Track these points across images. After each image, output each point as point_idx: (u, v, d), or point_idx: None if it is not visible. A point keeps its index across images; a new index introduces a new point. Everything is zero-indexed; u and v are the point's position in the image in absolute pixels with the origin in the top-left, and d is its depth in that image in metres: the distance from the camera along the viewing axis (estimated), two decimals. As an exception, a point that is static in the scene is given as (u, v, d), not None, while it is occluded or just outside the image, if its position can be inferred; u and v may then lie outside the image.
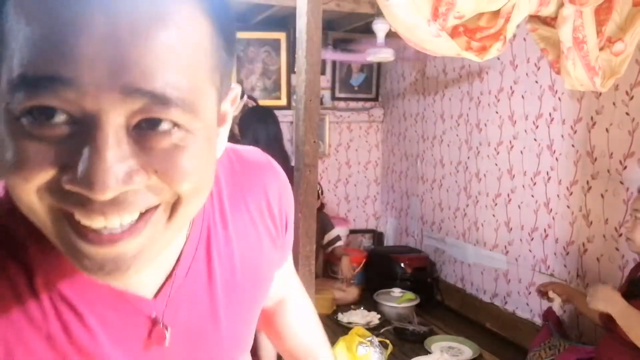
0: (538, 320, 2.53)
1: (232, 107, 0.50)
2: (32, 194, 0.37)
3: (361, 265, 3.38)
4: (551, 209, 2.50)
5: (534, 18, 1.43)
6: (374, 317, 2.89)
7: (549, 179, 2.51)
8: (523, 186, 2.67)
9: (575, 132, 2.35)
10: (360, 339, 2.20)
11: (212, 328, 0.56)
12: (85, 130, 0.36)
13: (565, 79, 1.41)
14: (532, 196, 2.61)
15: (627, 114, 2.09)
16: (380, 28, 3.01)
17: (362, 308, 2.99)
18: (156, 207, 0.41)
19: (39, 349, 0.45)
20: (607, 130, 2.18)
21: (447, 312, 3.12)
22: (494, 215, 2.89)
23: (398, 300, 3.00)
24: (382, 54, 3.07)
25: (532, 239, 2.63)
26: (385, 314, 2.92)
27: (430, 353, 2.44)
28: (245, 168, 0.60)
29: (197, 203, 0.44)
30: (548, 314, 2.43)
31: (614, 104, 2.14)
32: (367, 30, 3.12)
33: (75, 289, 0.46)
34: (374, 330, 2.59)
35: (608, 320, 1.73)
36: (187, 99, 0.38)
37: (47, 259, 0.45)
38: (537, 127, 2.57)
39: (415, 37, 1.28)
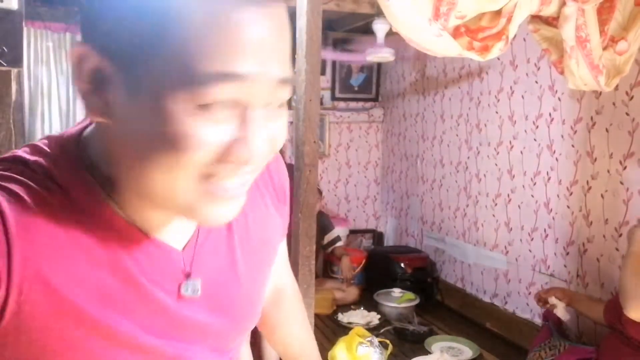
0: (538, 320, 2.53)
1: None
2: (192, 169, 0.46)
3: (361, 265, 3.37)
4: (551, 209, 2.50)
5: (536, 18, 1.42)
6: (374, 317, 2.89)
7: (549, 179, 2.51)
8: (523, 186, 2.67)
9: (575, 132, 2.35)
10: (360, 339, 2.20)
11: (232, 282, 0.63)
12: (241, 113, 0.46)
13: (569, 79, 1.40)
14: (532, 196, 2.61)
15: (627, 114, 2.09)
16: (380, 28, 3.01)
17: (362, 308, 2.99)
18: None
19: (100, 275, 0.51)
20: (607, 130, 2.18)
21: (447, 312, 3.12)
22: (494, 215, 2.89)
23: (398, 300, 3.00)
24: (382, 54, 3.07)
25: (532, 239, 2.63)
26: (385, 314, 2.92)
27: (430, 353, 2.44)
28: None
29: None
30: (548, 314, 2.43)
31: (613, 104, 2.14)
32: (367, 30, 3.12)
33: (115, 235, 0.52)
34: (374, 330, 2.59)
35: (613, 320, 1.72)
36: (291, 80, 0.50)
37: (98, 214, 0.52)
38: (537, 127, 2.57)
39: (417, 37, 1.27)
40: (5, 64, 1.42)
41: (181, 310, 0.57)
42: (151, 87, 0.44)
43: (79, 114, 3.33)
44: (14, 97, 1.58)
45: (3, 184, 0.48)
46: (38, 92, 3.24)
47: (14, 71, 1.48)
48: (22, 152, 0.52)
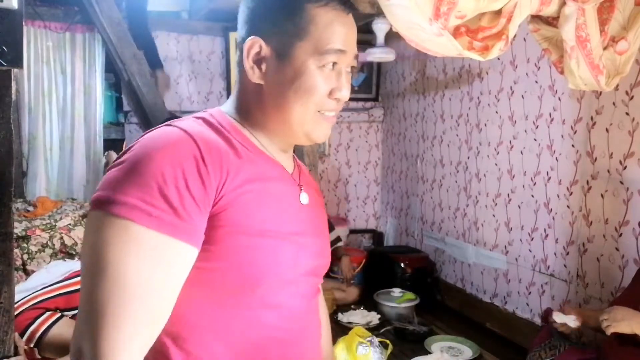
0: (538, 320, 2.53)
1: None
2: (315, 103, 0.78)
3: (361, 265, 3.37)
4: (551, 209, 2.50)
5: (536, 18, 1.42)
6: (374, 317, 2.89)
7: (549, 179, 2.51)
8: (523, 186, 2.67)
9: (575, 132, 2.35)
10: (360, 339, 2.20)
11: (318, 212, 0.89)
12: (340, 71, 0.80)
13: (569, 79, 1.40)
14: (532, 196, 2.61)
15: (627, 114, 2.09)
16: (380, 28, 3.01)
17: (362, 308, 2.99)
18: None
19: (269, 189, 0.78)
20: (607, 130, 2.18)
21: (447, 312, 3.12)
22: (494, 215, 2.89)
23: (398, 300, 3.00)
24: (382, 54, 3.07)
25: (532, 239, 2.63)
26: (385, 314, 2.92)
27: (430, 353, 2.44)
28: None
29: None
30: (547, 314, 2.43)
31: (613, 104, 2.14)
32: (367, 30, 3.11)
33: (261, 160, 0.80)
34: (374, 330, 2.59)
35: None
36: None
37: (247, 146, 0.79)
38: (537, 127, 2.57)
39: (417, 36, 1.27)
40: (5, 64, 1.42)
41: (304, 212, 0.83)
42: (295, 57, 0.77)
43: (78, 113, 3.33)
44: (13, 96, 1.58)
45: (192, 124, 0.75)
46: (39, 91, 3.24)
47: (14, 71, 1.48)
48: (193, 115, 0.81)
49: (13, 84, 1.50)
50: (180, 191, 0.66)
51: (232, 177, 0.71)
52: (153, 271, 0.65)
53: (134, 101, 3.32)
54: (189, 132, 0.71)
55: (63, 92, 3.31)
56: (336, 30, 0.78)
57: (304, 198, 0.84)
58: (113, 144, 3.42)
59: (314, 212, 0.86)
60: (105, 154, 3.33)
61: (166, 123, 0.77)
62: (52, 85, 3.27)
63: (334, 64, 0.78)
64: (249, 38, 0.79)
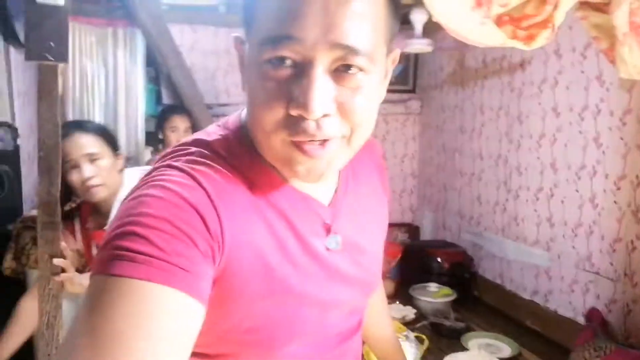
0: (581, 320, 2.44)
1: (392, 66, 0.67)
2: (272, 125, 0.56)
3: (397, 259, 3.35)
4: (597, 205, 2.41)
5: (584, 5, 1.36)
6: (409, 312, 2.86)
7: (595, 173, 2.41)
8: (567, 180, 2.57)
9: (624, 124, 2.25)
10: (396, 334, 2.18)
11: (363, 242, 0.73)
12: (303, 71, 0.54)
13: (621, 68, 1.33)
14: (577, 191, 2.51)
15: (683, 105, 1.98)
16: (418, 19, 2.96)
17: (397, 302, 2.97)
18: (337, 137, 0.58)
19: (264, 232, 0.62)
20: (659, 122, 2.07)
21: (485, 308, 3.06)
22: (535, 210, 2.80)
23: (434, 295, 2.96)
24: (419, 45, 3.01)
25: (575, 236, 2.53)
26: (421, 309, 2.88)
27: (467, 350, 2.40)
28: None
29: (363, 136, 0.61)
30: (592, 314, 2.35)
31: (667, 94, 2.03)
32: (405, 21, 3.06)
33: (279, 195, 0.64)
34: (409, 324, 2.56)
35: None
36: (369, 51, 0.55)
37: (262, 179, 0.63)
38: (582, 119, 2.47)
39: (458, 26, 1.24)
40: (52, 59, 1.47)
41: (330, 259, 0.67)
42: (247, 58, 0.59)
43: (121, 107, 3.42)
44: (60, 90, 1.63)
45: (196, 167, 0.59)
46: (83, 86, 3.35)
47: (60, 66, 1.53)
48: (203, 135, 0.66)
49: (60, 78, 1.55)
50: None
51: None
52: None
53: (173, 94, 3.39)
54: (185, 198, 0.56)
55: (105, 86, 3.40)
56: (279, 6, 0.53)
57: (333, 240, 0.67)
58: (153, 136, 3.49)
59: (348, 254, 0.69)
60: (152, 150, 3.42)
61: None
62: (94, 80, 3.37)
63: (287, 59, 0.53)
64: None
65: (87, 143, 1.74)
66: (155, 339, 0.46)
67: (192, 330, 0.50)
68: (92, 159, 1.75)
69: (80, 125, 1.88)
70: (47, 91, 1.48)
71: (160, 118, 3.22)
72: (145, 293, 0.47)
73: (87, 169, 1.78)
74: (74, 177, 1.77)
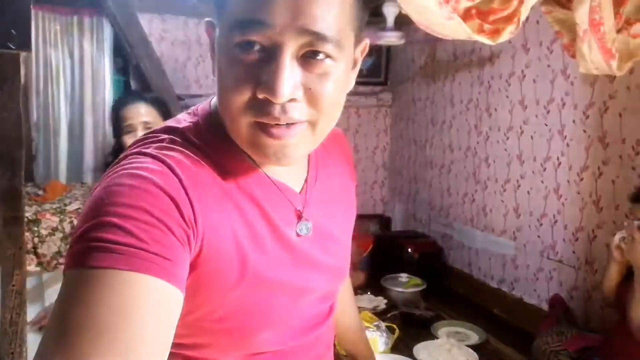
0: (545, 306, 2.52)
1: (361, 57, 0.66)
2: (239, 107, 0.56)
3: (368, 250, 3.38)
4: (561, 195, 2.48)
5: (549, 0, 1.39)
6: (380, 302, 2.90)
7: (559, 164, 2.48)
8: (533, 172, 2.64)
9: (587, 117, 2.32)
10: (366, 324, 2.21)
11: (332, 229, 0.73)
12: (271, 56, 0.54)
13: (580, 63, 1.38)
14: (542, 182, 2.59)
15: (641, 98, 2.05)
16: (389, 11, 2.96)
17: (369, 293, 3.00)
18: (302, 122, 0.58)
19: (237, 216, 0.62)
20: (620, 115, 2.15)
21: (454, 297, 3.13)
22: (502, 201, 2.87)
23: (405, 285, 3.00)
24: (391, 38, 3.03)
25: (541, 225, 2.61)
26: (392, 299, 2.92)
27: (436, 338, 2.45)
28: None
29: (328, 122, 0.61)
30: (555, 300, 2.43)
31: (628, 88, 2.10)
32: (376, 14, 3.07)
33: (251, 181, 0.64)
34: (380, 315, 2.60)
35: (619, 304, 1.71)
36: (337, 37, 0.55)
37: (233, 165, 0.63)
38: (548, 112, 2.54)
39: (427, 19, 1.25)
40: (14, 48, 1.42)
41: (301, 246, 0.67)
42: (217, 39, 0.59)
43: (87, 98, 3.33)
44: (22, 80, 1.58)
45: (168, 152, 0.59)
46: (48, 76, 3.25)
47: (23, 54, 1.48)
48: (173, 122, 0.66)
49: (22, 67, 1.50)
50: None
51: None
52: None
53: (142, 85, 3.32)
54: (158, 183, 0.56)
55: (71, 76, 3.31)
56: None
57: (304, 227, 0.67)
58: (121, 128, 3.42)
59: (318, 241, 0.70)
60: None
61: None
62: (59, 70, 3.27)
63: (255, 44, 0.54)
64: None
65: (146, 112, 1.90)
66: (140, 328, 0.46)
67: (174, 317, 0.51)
68: (147, 126, 1.86)
69: (142, 96, 2.06)
70: (8, 81, 1.44)
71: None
72: (128, 283, 0.47)
73: (141, 134, 1.82)
74: (129, 140, 1.87)
